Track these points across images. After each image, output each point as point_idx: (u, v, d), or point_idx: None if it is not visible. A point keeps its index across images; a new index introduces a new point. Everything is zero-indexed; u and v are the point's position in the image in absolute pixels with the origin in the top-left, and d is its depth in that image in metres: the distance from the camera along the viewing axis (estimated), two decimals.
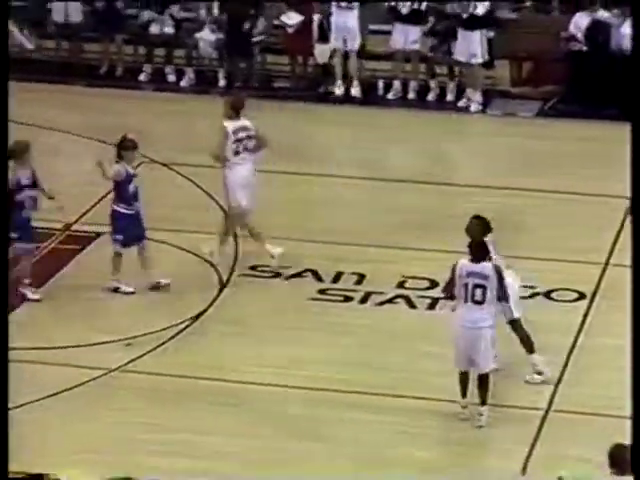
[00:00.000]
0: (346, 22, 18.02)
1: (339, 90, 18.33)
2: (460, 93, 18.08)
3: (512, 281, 11.84)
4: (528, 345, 11.96)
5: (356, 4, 17.98)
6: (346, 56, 18.27)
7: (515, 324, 11.92)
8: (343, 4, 17.98)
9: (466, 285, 11.28)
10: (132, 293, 13.43)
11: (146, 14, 18.59)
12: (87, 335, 12.66)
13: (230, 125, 14.03)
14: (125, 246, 13.51)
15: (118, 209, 13.46)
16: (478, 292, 11.25)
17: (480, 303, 11.27)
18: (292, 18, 18.27)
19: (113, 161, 13.47)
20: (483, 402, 11.45)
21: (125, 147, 13.46)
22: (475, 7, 17.69)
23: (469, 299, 11.27)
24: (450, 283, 11.53)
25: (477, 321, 11.28)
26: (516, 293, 11.95)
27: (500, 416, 11.56)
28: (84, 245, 14.40)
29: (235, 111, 14.14)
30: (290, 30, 18.39)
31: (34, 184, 13.21)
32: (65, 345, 12.55)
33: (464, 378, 11.45)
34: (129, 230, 13.48)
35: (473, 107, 17.90)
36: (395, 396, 11.80)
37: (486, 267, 11.29)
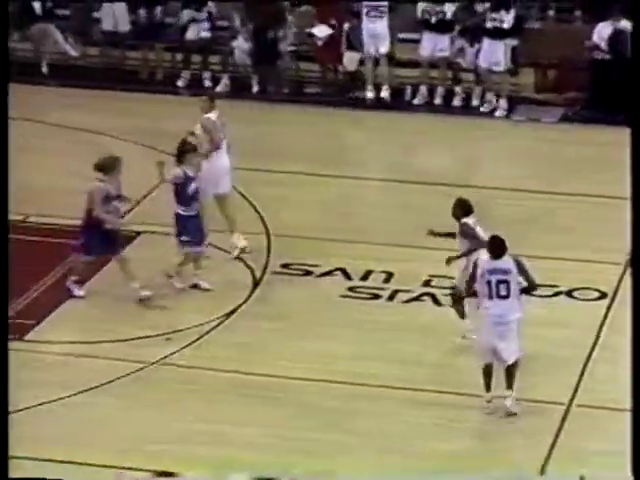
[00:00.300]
0: (376, 29, 18.05)
1: (370, 94, 18.35)
2: (485, 99, 18.09)
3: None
4: None
5: (386, 12, 17.98)
6: (376, 62, 18.28)
7: None
8: (373, 12, 18.02)
9: (489, 282, 11.31)
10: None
11: (185, 14, 18.62)
12: (128, 330, 12.73)
13: (214, 115, 14.35)
14: (195, 246, 13.56)
15: (178, 211, 13.52)
16: (502, 287, 11.30)
17: (506, 297, 11.30)
18: (322, 31, 18.31)
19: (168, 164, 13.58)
20: (509, 386, 11.47)
21: (185, 150, 13.55)
22: (502, 21, 17.69)
23: (494, 295, 11.30)
24: (471, 280, 11.58)
25: (505, 315, 11.32)
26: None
27: (525, 410, 11.55)
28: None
29: (214, 103, 14.45)
30: (320, 42, 18.45)
31: (119, 196, 13.33)
32: (107, 340, 12.62)
33: (488, 371, 11.48)
34: (193, 231, 13.51)
35: (498, 113, 17.92)
36: (424, 390, 11.82)
37: (507, 262, 11.34)
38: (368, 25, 18.10)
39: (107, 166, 13.26)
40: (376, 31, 18.05)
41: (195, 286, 13.62)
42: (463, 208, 12.34)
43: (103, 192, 13.14)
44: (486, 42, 17.76)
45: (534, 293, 13.30)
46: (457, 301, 12.43)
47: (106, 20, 18.89)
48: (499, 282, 11.30)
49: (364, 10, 18.09)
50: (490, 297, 11.34)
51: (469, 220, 12.29)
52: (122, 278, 13.19)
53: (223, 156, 14.29)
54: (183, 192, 13.48)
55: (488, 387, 11.50)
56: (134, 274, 13.21)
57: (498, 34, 17.70)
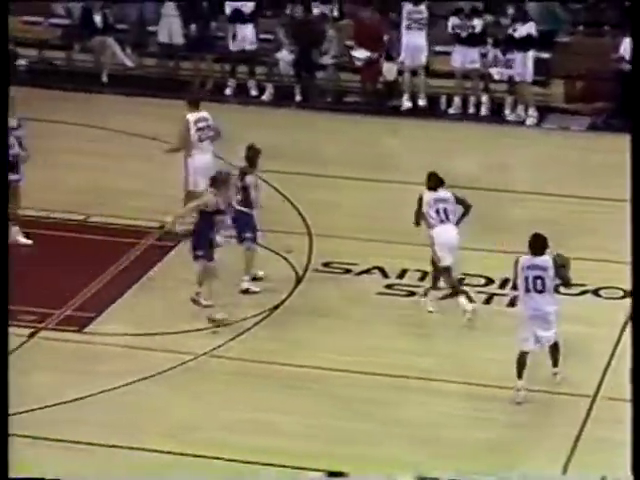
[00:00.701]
0: (415, 41, 18.14)
1: (407, 103, 18.44)
2: (516, 108, 18.15)
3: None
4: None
5: (425, 25, 18.08)
6: (413, 73, 18.36)
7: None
8: (414, 25, 18.08)
9: (527, 277, 11.62)
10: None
11: (233, 27, 18.74)
12: (179, 323, 12.82)
13: (191, 116, 14.47)
14: (254, 242, 13.70)
15: (243, 210, 13.60)
16: (538, 283, 11.60)
17: (541, 292, 11.60)
18: (362, 54, 18.37)
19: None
20: (555, 364, 11.80)
21: (254, 156, 13.78)
22: (514, 30, 17.76)
23: (531, 289, 11.61)
24: (514, 277, 11.90)
25: (541, 308, 11.60)
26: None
27: (551, 401, 11.66)
28: (177, 242, 14.50)
29: (195, 105, 14.66)
30: (359, 63, 18.51)
31: (224, 211, 13.40)
32: (160, 332, 12.71)
33: (523, 360, 11.65)
34: (252, 229, 13.68)
35: (529, 121, 17.98)
36: (454, 382, 11.86)
37: (545, 260, 11.62)
38: (408, 37, 18.17)
39: (219, 181, 13.28)
40: (415, 43, 18.14)
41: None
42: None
43: (212, 205, 13.16)
44: (514, 54, 17.82)
45: (561, 291, 13.47)
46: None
47: (162, 33, 19.07)
48: (535, 278, 11.61)
49: (404, 23, 18.15)
50: (527, 291, 11.65)
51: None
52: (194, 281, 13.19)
53: (202, 155, 14.49)
54: (249, 194, 13.63)
55: (520, 375, 11.64)
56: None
57: (521, 45, 17.74)
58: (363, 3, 18.95)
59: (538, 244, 11.76)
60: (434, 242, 12.93)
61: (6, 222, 9.54)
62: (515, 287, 12.07)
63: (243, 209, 13.61)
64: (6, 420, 8.75)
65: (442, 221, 12.93)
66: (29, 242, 14.61)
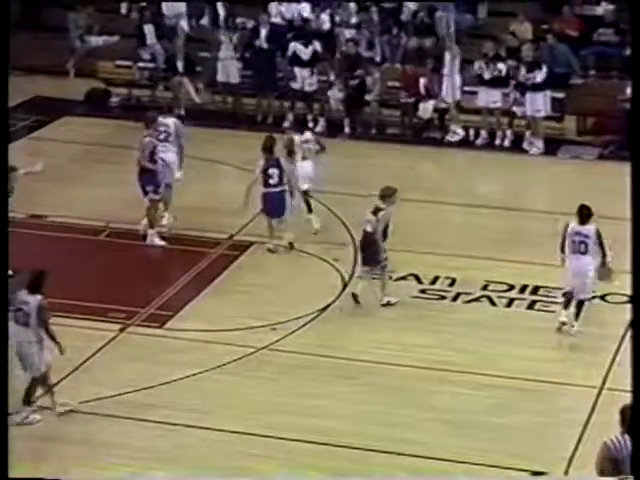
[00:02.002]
0: (450, 85, 18.00)
1: (453, 136, 18.29)
2: (533, 141, 18.03)
3: None
4: None
5: (457, 74, 17.94)
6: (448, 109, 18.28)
7: None
8: (446, 71, 17.98)
9: (573, 242, 12.34)
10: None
11: (294, 70, 18.77)
12: (243, 321, 12.85)
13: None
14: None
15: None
16: (582, 246, 12.32)
17: (584, 253, 12.31)
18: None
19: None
20: (577, 318, 12.47)
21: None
22: (535, 77, 17.65)
23: (576, 251, 12.31)
24: (562, 240, 12.51)
25: (583, 267, 12.31)
26: None
27: (564, 392, 11.62)
28: (242, 251, 14.62)
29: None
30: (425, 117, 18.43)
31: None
32: (227, 328, 12.74)
33: (568, 298, 12.54)
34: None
35: (534, 150, 17.86)
36: (482, 374, 11.82)
37: (588, 229, 12.43)
38: (447, 85, 17.97)
39: (387, 194, 13.21)
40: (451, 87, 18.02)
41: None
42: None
43: (383, 221, 13.11)
44: (527, 95, 17.74)
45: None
46: None
47: (220, 74, 18.99)
48: (580, 242, 12.34)
49: (446, 70, 18.00)
50: (573, 252, 12.30)
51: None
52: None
53: (163, 154, 14.73)
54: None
55: (566, 307, 12.51)
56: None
57: (535, 87, 17.67)
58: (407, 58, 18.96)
59: (584, 214, 12.44)
60: (569, 269, 12.62)
61: (6, 222, 8.97)
62: (562, 249, 12.53)
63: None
64: (6, 420, 8.28)
65: (574, 252, 12.50)
66: (163, 243, 14.73)
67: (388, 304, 13.23)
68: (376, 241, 13.14)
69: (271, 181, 14.36)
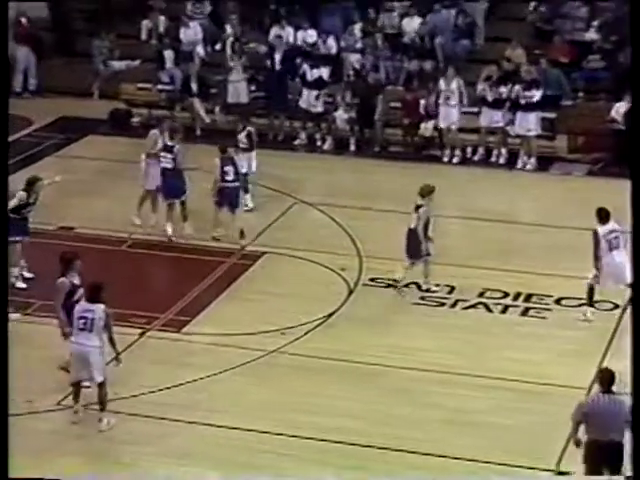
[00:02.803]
0: (448, 109, 17.98)
1: (447, 156, 18.26)
2: (526, 158, 17.98)
3: None
4: None
5: (455, 98, 17.87)
6: (447, 130, 18.28)
7: None
8: (442, 98, 17.90)
9: (609, 241, 12.51)
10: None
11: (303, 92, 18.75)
12: (254, 326, 12.84)
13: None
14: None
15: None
16: (615, 241, 12.50)
17: (618, 248, 12.50)
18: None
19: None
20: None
21: None
22: (533, 96, 17.64)
23: (613, 248, 12.41)
24: (595, 247, 12.59)
25: (625, 258, 12.25)
26: None
27: (555, 392, 11.54)
28: (254, 261, 14.62)
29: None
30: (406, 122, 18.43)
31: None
32: (239, 333, 12.74)
33: (592, 290, 12.60)
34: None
35: (528, 167, 17.84)
36: (479, 376, 11.79)
37: (614, 225, 12.55)
38: (445, 109, 17.91)
39: (426, 192, 13.32)
40: (449, 108, 17.97)
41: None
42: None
43: (426, 215, 13.22)
44: (519, 115, 17.70)
45: (563, 304, 13.40)
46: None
47: (230, 95, 18.97)
48: (614, 238, 12.43)
49: (442, 97, 17.95)
50: (610, 250, 12.41)
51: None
52: None
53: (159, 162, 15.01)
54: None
55: (590, 303, 12.60)
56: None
57: (528, 108, 17.65)
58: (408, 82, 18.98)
59: (604, 215, 12.49)
60: (604, 269, 12.62)
61: (6, 223, 8.73)
62: (597, 258, 12.51)
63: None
64: (6, 420, 7.98)
65: (613, 249, 12.58)
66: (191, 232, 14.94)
67: (428, 290, 13.45)
68: (418, 236, 13.26)
69: (227, 177, 14.78)
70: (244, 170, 15.43)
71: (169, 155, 14.96)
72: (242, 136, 15.79)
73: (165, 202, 15.10)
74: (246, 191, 15.66)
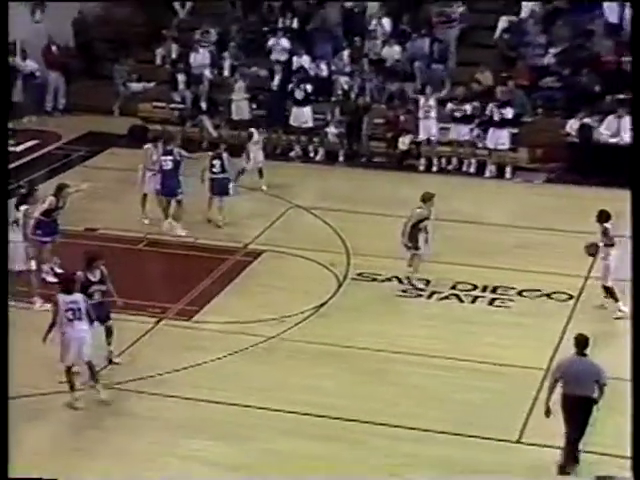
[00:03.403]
0: (428, 122, 18.00)
1: (422, 165, 18.21)
2: (501, 168, 17.90)
3: None
4: None
5: (434, 112, 17.89)
6: (427, 142, 18.21)
7: None
8: (428, 113, 17.91)
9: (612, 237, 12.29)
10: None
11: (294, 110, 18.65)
12: (256, 315, 12.80)
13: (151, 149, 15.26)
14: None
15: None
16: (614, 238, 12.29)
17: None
18: (405, 142, 18.16)
19: None
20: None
21: None
22: (507, 114, 17.62)
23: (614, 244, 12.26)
24: (606, 241, 12.37)
25: (612, 256, 12.29)
26: None
27: (517, 373, 11.52)
28: (255, 258, 14.56)
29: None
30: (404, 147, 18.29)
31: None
32: (242, 321, 12.68)
33: (611, 292, 12.36)
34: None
35: (508, 175, 17.83)
36: (453, 359, 11.76)
37: (609, 225, 12.33)
38: (425, 122, 17.97)
39: (426, 198, 13.29)
40: (428, 123, 17.97)
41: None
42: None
43: (419, 216, 13.16)
44: (492, 130, 17.71)
45: (525, 295, 13.39)
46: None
47: (234, 112, 18.91)
48: (613, 236, 12.25)
49: (421, 112, 17.93)
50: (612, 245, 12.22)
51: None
52: None
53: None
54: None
55: (617, 300, 12.27)
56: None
57: (501, 124, 17.66)
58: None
59: (604, 216, 12.32)
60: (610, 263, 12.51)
61: (6, 223, 8.04)
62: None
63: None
64: (6, 420, 7.38)
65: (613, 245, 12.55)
66: (184, 233, 14.85)
67: (412, 284, 13.33)
68: (404, 230, 13.25)
69: (214, 169, 15.20)
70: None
71: (169, 157, 15.03)
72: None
73: (164, 200, 15.09)
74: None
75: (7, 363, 7.72)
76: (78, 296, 10.79)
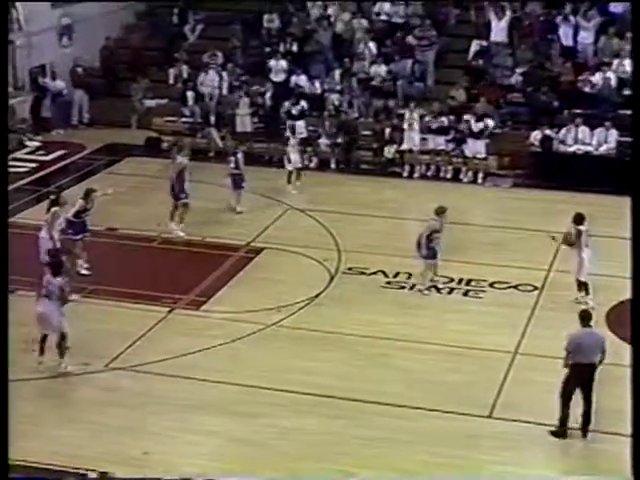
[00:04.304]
0: (412, 133, 17.83)
1: (410, 173, 17.99)
2: (474, 174, 17.81)
3: None
4: None
5: (417, 124, 17.66)
6: (410, 151, 18.03)
7: None
8: (413, 126, 17.66)
9: (586, 238, 12.10)
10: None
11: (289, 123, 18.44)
12: (257, 304, 12.66)
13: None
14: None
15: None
16: (589, 239, 12.11)
17: (587, 246, 12.24)
18: (390, 152, 17.99)
19: None
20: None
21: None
22: (486, 126, 17.47)
23: (588, 244, 12.13)
24: (580, 242, 12.10)
25: (590, 257, 12.18)
26: None
27: (489, 356, 11.39)
28: (257, 253, 14.41)
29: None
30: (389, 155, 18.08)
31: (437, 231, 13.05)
32: (245, 310, 12.56)
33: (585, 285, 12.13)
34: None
35: (467, 180, 17.66)
36: (433, 344, 11.64)
37: (586, 226, 12.14)
38: (409, 133, 17.77)
39: (438, 212, 13.03)
40: (411, 134, 17.81)
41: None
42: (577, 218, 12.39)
43: (432, 228, 12.93)
44: (470, 140, 17.58)
45: (495, 287, 13.29)
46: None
47: (238, 124, 18.72)
48: (588, 236, 12.16)
49: (406, 124, 17.74)
50: (587, 245, 12.11)
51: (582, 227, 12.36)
52: None
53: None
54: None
55: (587, 293, 12.11)
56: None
57: (478, 135, 17.52)
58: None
59: (579, 218, 12.14)
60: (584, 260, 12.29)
61: (6, 223, 7.75)
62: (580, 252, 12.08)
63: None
64: (6, 420, 6.77)
65: (587, 246, 12.32)
66: (182, 234, 14.65)
67: (415, 287, 13.00)
68: (420, 242, 12.93)
69: (231, 165, 15.61)
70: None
71: (173, 166, 15.01)
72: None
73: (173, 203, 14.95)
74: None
75: (7, 363, 7.15)
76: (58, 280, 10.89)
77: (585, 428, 9.62)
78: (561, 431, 9.61)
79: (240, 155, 15.75)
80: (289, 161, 16.89)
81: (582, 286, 12.44)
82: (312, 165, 18.61)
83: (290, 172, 16.80)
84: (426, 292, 13.04)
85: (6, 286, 7.08)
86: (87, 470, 9.16)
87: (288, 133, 17.51)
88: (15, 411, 8.80)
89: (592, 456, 9.46)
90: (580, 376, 9.47)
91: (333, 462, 9.42)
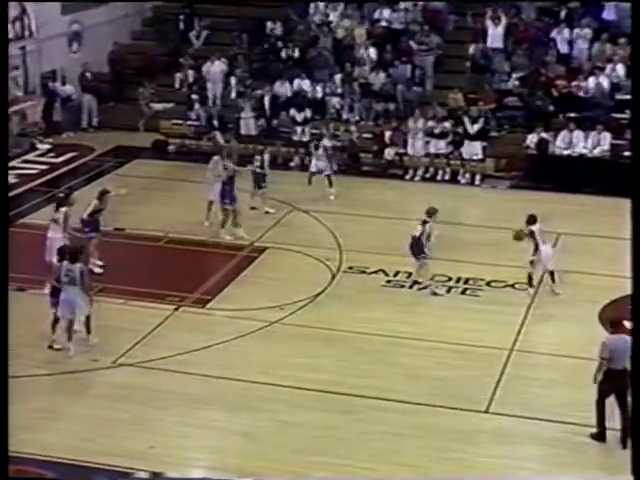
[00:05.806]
0: (416, 141, 17.78)
1: (409, 174, 17.94)
2: (472, 176, 17.74)
3: None
4: None
5: (421, 133, 17.63)
6: (413, 156, 17.96)
7: None
8: (417, 135, 17.65)
9: (540, 237, 12.23)
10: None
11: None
12: (260, 302, 12.64)
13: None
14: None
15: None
16: (546, 238, 12.46)
17: (545, 243, 12.55)
18: (390, 154, 17.91)
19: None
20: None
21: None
22: (481, 128, 17.46)
23: (546, 242, 12.37)
24: (535, 240, 12.33)
25: (547, 252, 12.48)
26: None
27: (486, 352, 11.35)
28: (260, 253, 14.38)
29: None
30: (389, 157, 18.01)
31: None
32: (249, 308, 12.53)
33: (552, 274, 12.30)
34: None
35: (477, 182, 17.64)
36: (431, 341, 11.63)
37: (538, 227, 12.35)
38: (413, 140, 17.74)
39: (431, 212, 13.00)
40: (415, 140, 17.80)
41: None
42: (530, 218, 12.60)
43: (428, 230, 12.89)
44: (466, 143, 17.54)
45: (492, 285, 13.25)
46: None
47: (242, 128, 18.72)
48: (541, 233, 12.26)
49: (411, 133, 17.72)
50: (544, 243, 12.26)
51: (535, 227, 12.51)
52: None
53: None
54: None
55: (553, 280, 12.32)
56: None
57: (474, 137, 17.46)
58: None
59: (531, 220, 12.39)
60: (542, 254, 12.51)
61: (6, 223, 7.45)
62: (537, 247, 12.27)
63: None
64: (6, 419, 6.53)
65: (544, 242, 12.58)
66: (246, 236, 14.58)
67: (417, 282, 13.00)
68: (421, 242, 12.89)
69: (256, 164, 15.56)
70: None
71: (224, 171, 14.91)
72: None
73: (222, 207, 14.84)
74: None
75: (7, 362, 6.87)
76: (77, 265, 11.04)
77: (624, 438, 9.12)
78: (599, 434, 9.33)
79: (267, 155, 15.76)
80: (316, 169, 16.50)
81: (550, 275, 12.53)
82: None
83: (311, 175, 16.37)
84: (440, 292, 12.92)
85: (6, 286, 6.84)
86: (96, 464, 9.14)
87: (311, 147, 16.98)
88: (24, 405, 8.80)
89: (588, 451, 9.41)
90: (615, 383, 9.16)
91: (334, 456, 9.41)
